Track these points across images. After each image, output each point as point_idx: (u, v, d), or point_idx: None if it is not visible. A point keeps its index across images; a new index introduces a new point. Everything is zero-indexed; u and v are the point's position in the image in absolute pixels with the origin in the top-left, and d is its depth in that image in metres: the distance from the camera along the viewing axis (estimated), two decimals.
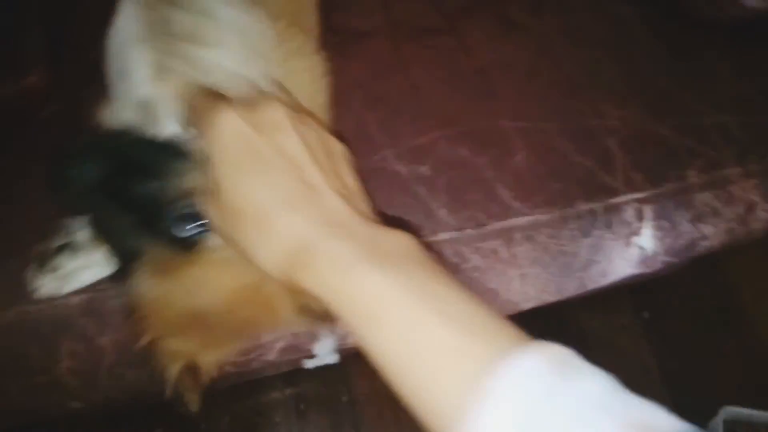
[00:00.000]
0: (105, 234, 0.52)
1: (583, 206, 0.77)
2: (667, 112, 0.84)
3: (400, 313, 0.37)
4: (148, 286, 0.49)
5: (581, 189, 0.77)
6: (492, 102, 0.83)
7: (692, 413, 1.12)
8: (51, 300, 0.62)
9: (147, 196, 0.48)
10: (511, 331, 0.37)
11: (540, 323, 1.00)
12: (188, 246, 0.48)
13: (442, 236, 0.74)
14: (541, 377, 0.33)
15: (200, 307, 0.49)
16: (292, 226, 0.40)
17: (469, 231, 0.74)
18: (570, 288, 0.82)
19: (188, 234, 0.48)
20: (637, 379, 1.29)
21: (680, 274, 0.94)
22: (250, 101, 0.46)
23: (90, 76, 0.76)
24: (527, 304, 0.83)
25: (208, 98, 0.48)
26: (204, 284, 0.48)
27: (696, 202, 0.80)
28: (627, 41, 0.91)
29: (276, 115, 0.44)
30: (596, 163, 0.79)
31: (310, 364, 0.65)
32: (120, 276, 0.52)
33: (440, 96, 0.82)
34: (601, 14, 0.93)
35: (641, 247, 0.81)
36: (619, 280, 0.85)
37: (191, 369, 0.52)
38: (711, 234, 0.83)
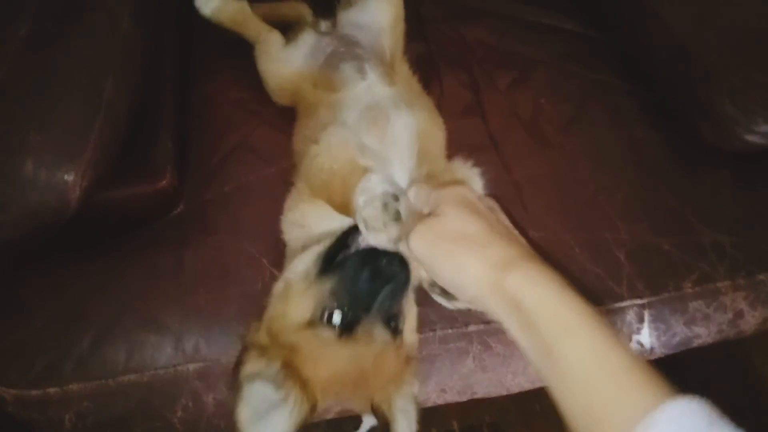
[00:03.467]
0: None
1: None
2: (671, 230, 0.98)
3: (594, 333, 0.51)
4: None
5: (590, 293, 0.93)
6: (521, 212, 1.00)
7: None
8: (174, 366, 0.82)
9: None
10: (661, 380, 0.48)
11: None
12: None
13: (472, 328, 0.91)
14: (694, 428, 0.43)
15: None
16: (503, 247, 0.59)
17: (494, 324, 0.91)
18: None
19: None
20: None
21: (703, 355, 1.06)
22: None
23: (210, 181, 0.98)
24: (540, 383, 0.99)
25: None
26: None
27: (690, 309, 0.95)
28: (644, 163, 1.05)
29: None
30: (606, 271, 0.95)
31: None
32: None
33: None
34: (625, 136, 1.08)
35: (641, 343, 0.96)
36: None
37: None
38: (703, 334, 0.98)
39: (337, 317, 0.70)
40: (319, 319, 0.71)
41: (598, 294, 0.93)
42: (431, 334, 0.90)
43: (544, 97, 1.13)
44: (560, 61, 1.19)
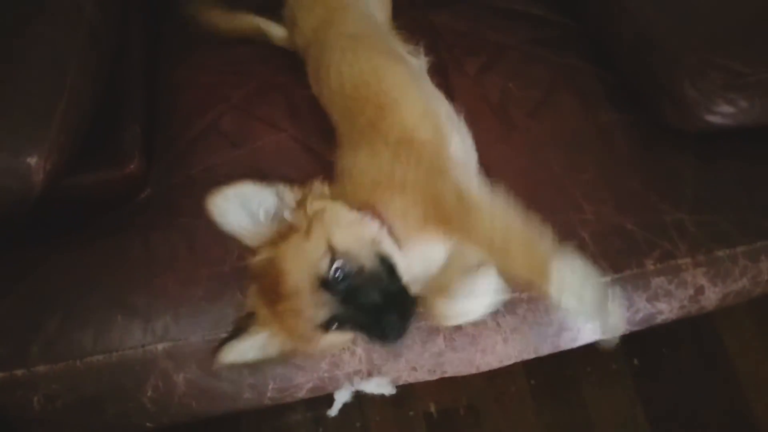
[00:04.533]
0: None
1: None
2: (634, 210, 1.00)
3: None
4: None
5: None
6: None
7: None
8: (143, 345, 0.83)
9: None
10: None
11: (538, 364, 1.16)
12: None
13: None
14: None
15: None
16: None
17: None
18: (545, 349, 1.01)
19: None
20: (625, 420, 1.44)
21: (670, 325, 1.09)
22: None
23: (177, 165, 0.98)
24: (509, 361, 1.02)
25: None
26: None
27: (652, 285, 0.98)
28: (608, 145, 1.07)
29: None
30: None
31: (332, 412, 0.84)
32: None
33: None
34: (592, 119, 1.10)
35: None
36: (587, 344, 1.03)
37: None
38: (666, 310, 1.01)
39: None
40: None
41: None
42: None
43: (512, 81, 1.14)
44: (529, 46, 1.20)
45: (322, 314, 0.72)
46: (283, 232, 0.73)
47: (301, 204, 0.75)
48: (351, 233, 0.74)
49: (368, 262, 0.73)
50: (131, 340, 0.83)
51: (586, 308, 0.72)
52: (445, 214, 0.78)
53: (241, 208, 0.72)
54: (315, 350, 0.79)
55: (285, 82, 1.09)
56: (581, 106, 1.12)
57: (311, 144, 1.01)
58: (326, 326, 0.73)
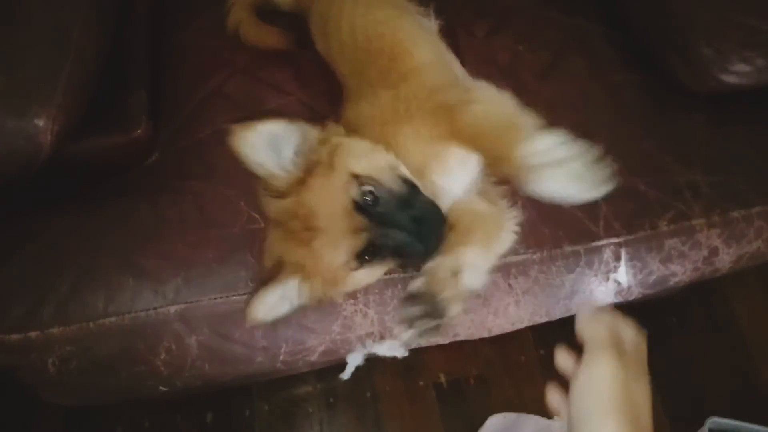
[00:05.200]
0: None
1: (569, 248, 0.94)
2: (647, 171, 0.99)
3: None
4: None
5: (568, 233, 0.95)
6: None
7: (683, 422, 1.32)
8: (155, 308, 0.83)
9: None
10: None
11: (548, 334, 1.15)
12: None
13: None
14: None
15: None
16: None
17: None
18: (557, 312, 1.00)
19: None
20: None
21: (681, 296, 1.09)
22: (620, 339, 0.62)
23: (184, 129, 0.98)
24: (521, 324, 1.01)
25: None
26: None
27: (666, 247, 0.97)
28: (620, 106, 1.06)
29: (641, 366, 0.60)
30: (583, 212, 0.96)
31: (344, 375, 0.84)
32: None
33: None
34: (603, 80, 1.08)
35: (618, 282, 0.98)
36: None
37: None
38: (679, 272, 1.00)
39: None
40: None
41: (576, 234, 0.94)
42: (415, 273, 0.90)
43: (521, 44, 1.12)
44: (537, 8, 1.18)
45: (360, 240, 0.72)
46: (310, 170, 0.73)
47: (322, 142, 0.75)
48: (370, 162, 0.75)
49: (394, 185, 0.74)
50: (143, 303, 0.83)
51: (569, 172, 0.72)
52: (451, 118, 0.80)
53: (269, 145, 0.72)
54: (346, 290, 0.80)
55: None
56: (591, 67, 1.11)
57: (317, 107, 1.00)
58: (360, 258, 0.73)
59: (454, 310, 0.72)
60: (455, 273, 0.73)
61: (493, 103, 0.82)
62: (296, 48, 1.04)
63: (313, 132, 0.75)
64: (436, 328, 0.71)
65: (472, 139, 0.79)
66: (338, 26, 0.93)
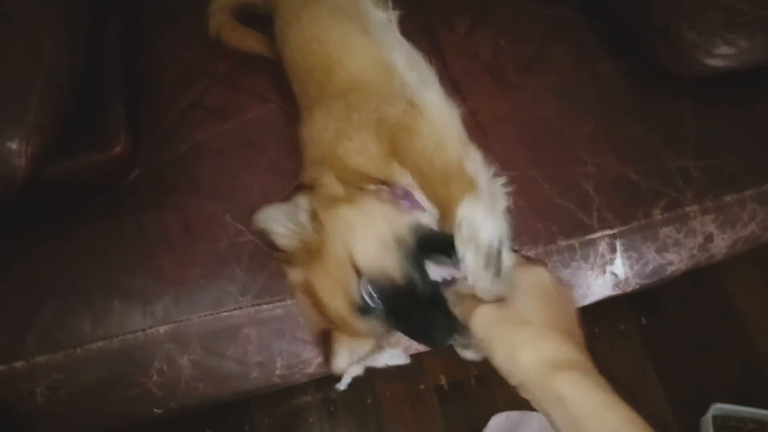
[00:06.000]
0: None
1: (564, 242, 0.93)
2: (637, 159, 0.99)
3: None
4: None
5: (562, 227, 0.93)
6: (487, 154, 0.99)
7: (686, 409, 1.30)
8: (143, 329, 0.81)
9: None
10: None
11: None
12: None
13: None
14: None
15: None
16: (561, 346, 0.57)
17: None
18: None
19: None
20: (635, 377, 1.44)
21: (677, 283, 1.08)
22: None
23: (165, 143, 0.95)
24: None
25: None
26: None
27: (660, 236, 0.96)
28: (606, 95, 1.05)
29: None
30: (575, 204, 0.95)
31: (340, 386, 0.83)
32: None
33: None
34: (587, 70, 1.08)
35: (614, 274, 0.97)
36: (600, 300, 1.01)
37: None
38: (675, 260, 0.99)
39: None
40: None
41: (570, 227, 0.93)
42: None
43: (503, 38, 1.11)
44: (518, 1, 1.17)
45: (372, 331, 0.70)
46: (309, 249, 0.69)
47: (314, 216, 0.70)
48: (370, 238, 0.68)
49: (397, 270, 0.67)
50: (131, 324, 0.81)
51: (478, 256, 0.65)
52: (393, 135, 0.75)
53: (280, 225, 0.68)
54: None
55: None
56: (575, 57, 1.10)
57: (298, 113, 0.98)
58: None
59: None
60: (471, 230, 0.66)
61: (437, 133, 0.75)
62: (277, 55, 1.02)
63: (305, 203, 0.70)
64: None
65: (413, 169, 0.74)
66: (284, 46, 0.92)
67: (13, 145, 0.72)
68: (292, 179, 0.91)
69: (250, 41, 1.04)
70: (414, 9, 1.13)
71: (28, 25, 0.78)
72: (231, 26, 1.04)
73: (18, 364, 0.78)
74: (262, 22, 1.04)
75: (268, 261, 0.85)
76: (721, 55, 0.98)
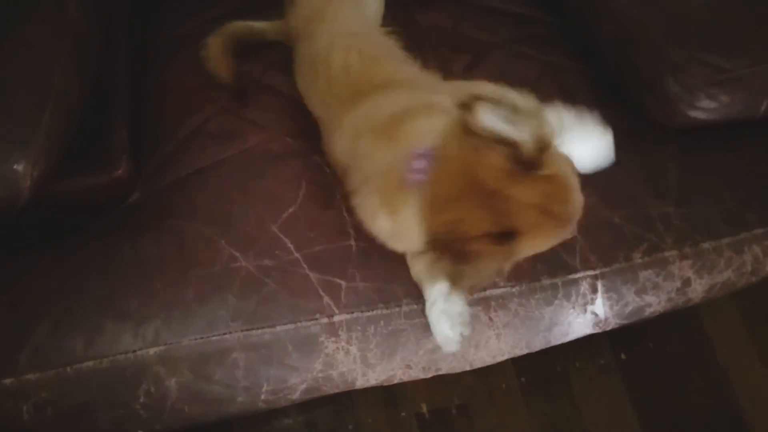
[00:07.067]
0: None
1: (547, 281, 0.96)
2: (620, 204, 1.02)
3: None
4: None
5: (546, 266, 0.96)
6: None
7: None
8: (134, 351, 0.82)
9: None
10: None
11: (528, 362, 1.17)
12: None
13: None
14: None
15: None
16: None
17: None
18: (537, 344, 1.02)
19: None
20: (614, 412, 1.46)
21: (657, 320, 1.11)
22: None
23: (166, 168, 0.98)
24: (502, 357, 1.02)
25: None
26: None
27: (640, 278, 0.99)
28: None
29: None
30: (560, 245, 0.98)
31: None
32: None
33: None
34: None
35: (595, 313, 1.00)
36: (579, 338, 1.04)
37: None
38: (654, 302, 1.02)
39: None
40: None
41: (554, 267, 0.96)
42: (397, 309, 0.91)
43: (498, 79, 1.15)
44: (513, 44, 1.21)
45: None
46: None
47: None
48: None
49: None
50: (122, 346, 0.82)
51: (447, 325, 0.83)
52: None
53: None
54: None
55: (274, 83, 1.09)
56: (566, 102, 1.13)
57: (299, 145, 1.01)
58: None
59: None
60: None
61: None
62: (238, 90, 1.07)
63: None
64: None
65: None
66: (316, 71, 0.96)
67: (20, 168, 0.74)
68: (287, 206, 0.94)
69: (222, 69, 1.06)
70: (412, 48, 1.17)
71: (41, 52, 0.80)
72: (216, 52, 1.07)
73: (8, 381, 0.79)
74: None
75: (260, 287, 0.88)
76: (704, 109, 1.03)
